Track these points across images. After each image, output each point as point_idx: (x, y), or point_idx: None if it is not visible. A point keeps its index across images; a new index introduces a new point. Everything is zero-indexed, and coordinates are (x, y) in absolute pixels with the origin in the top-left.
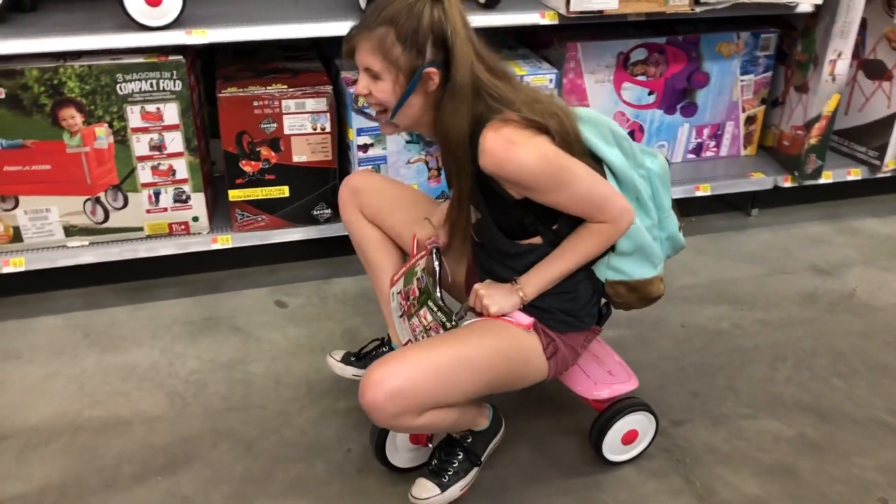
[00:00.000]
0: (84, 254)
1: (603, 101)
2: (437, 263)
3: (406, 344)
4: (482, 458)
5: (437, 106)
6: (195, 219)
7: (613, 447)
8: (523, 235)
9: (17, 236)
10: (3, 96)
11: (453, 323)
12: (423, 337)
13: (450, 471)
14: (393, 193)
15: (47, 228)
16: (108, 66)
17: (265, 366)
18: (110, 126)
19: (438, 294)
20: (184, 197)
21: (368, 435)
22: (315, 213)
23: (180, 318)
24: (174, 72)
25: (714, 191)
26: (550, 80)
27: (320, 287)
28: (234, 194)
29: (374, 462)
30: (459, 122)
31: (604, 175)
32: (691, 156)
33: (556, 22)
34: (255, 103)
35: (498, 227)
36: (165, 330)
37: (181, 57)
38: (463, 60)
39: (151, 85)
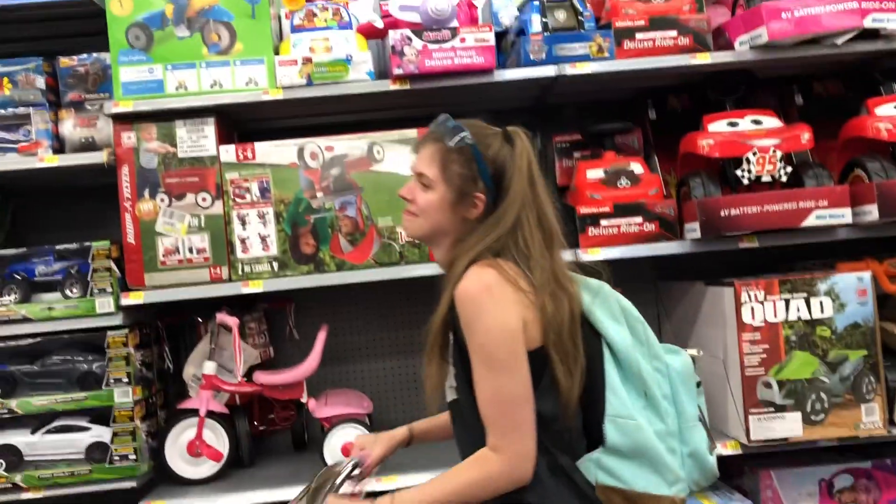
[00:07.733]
0: None
1: None
2: (343, 475)
3: None
4: None
5: (466, 229)
6: None
7: None
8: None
9: None
10: None
11: None
12: None
13: None
14: None
15: None
16: None
17: None
18: None
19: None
20: None
21: None
22: None
23: None
24: None
25: None
26: None
27: None
28: None
29: None
30: (475, 250)
31: (602, 355)
32: None
33: (738, 452)
34: None
35: (465, 387)
36: None
37: None
38: (513, 201)
39: None
